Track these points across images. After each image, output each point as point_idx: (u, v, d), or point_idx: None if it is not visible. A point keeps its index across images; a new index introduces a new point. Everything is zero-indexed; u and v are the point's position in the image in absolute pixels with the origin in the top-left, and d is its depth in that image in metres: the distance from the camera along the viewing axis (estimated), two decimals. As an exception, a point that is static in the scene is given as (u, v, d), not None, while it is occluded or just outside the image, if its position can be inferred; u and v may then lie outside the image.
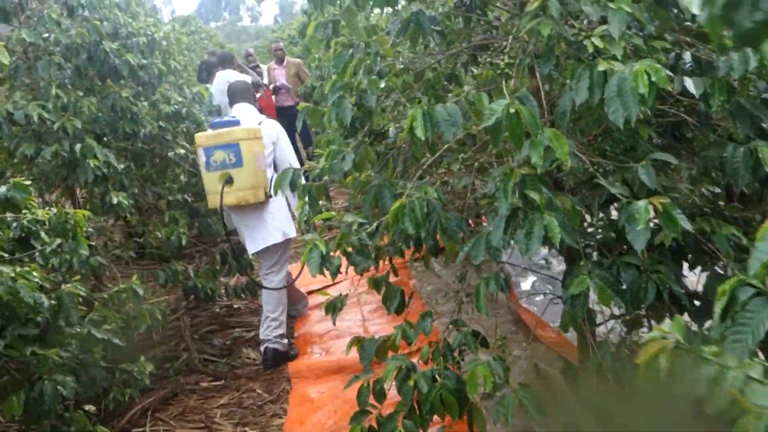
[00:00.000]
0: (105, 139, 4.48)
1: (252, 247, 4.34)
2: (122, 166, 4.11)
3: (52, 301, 2.36)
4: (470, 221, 3.23)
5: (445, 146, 2.61)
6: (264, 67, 9.72)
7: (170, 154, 4.62)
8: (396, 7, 3.34)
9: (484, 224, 4.67)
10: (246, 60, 9.50)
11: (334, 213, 2.46)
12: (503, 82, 2.15)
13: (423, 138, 2.19)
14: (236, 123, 4.13)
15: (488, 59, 3.53)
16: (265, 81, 9.47)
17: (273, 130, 4.33)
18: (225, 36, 30.34)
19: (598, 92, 1.98)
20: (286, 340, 4.50)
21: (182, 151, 4.66)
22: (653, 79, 1.78)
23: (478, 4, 3.21)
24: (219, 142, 4.00)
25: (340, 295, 3.04)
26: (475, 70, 3.81)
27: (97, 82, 4.47)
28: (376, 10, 3.42)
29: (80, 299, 2.55)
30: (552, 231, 2.04)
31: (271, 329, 4.39)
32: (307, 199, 3.02)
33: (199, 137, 4.08)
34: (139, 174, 4.84)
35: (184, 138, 4.83)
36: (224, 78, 7.43)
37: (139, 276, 4.53)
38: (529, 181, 2.09)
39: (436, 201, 2.35)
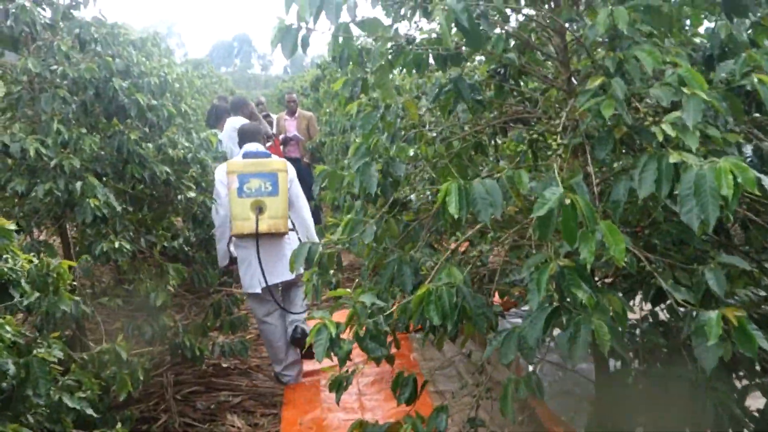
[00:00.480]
0: (105, 179, 4.24)
1: (273, 278, 4.47)
2: (119, 208, 3.83)
3: (20, 369, 2.06)
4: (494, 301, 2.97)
5: (477, 227, 2.37)
6: (274, 117, 9.58)
7: (179, 197, 4.37)
8: (426, 72, 3.15)
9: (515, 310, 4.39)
10: (257, 108, 9.36)
11: (348, 291, 2.19)
12: (555, 166, 1.92)
13: (456, 216, 1.95)
14: (269, 155, 4.49)
15: (523, 133, 3.33)
16: (274, 131, 9.33)
17: (291, 168, 4.60)
18: (234, 82, 30.56)
19: (666, 186, 1.74)
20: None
21: (192, 194, 4.41)
22: (739, 180, 1.55)
23: (512, 74, 3.03)
24: (257, 170, 4.29)
25: (347, 371, 2.73)
26: (498, 141, 3.61)
27: (102, 119, 4.25)
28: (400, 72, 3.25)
29: (56, 360, 2.25)
30: (602, 337, 1.78)
31: (300, 317, 4.67)
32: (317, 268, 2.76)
33: (234, 164, 4.33)
34: (134, 218, 4.58)
35: (193, 182, 4.58)
36: (235, 125, 7.25)
37: (123, 326, 4.27)
38: (568, 275, 1.83)
39: (466, 288, 2.09)
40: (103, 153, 4.13)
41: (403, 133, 2.87)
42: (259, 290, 4.53)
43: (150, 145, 4.32)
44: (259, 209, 4.29)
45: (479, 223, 2.40)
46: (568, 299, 1.90)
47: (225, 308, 4.47)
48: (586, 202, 1.64)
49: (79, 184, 3.54)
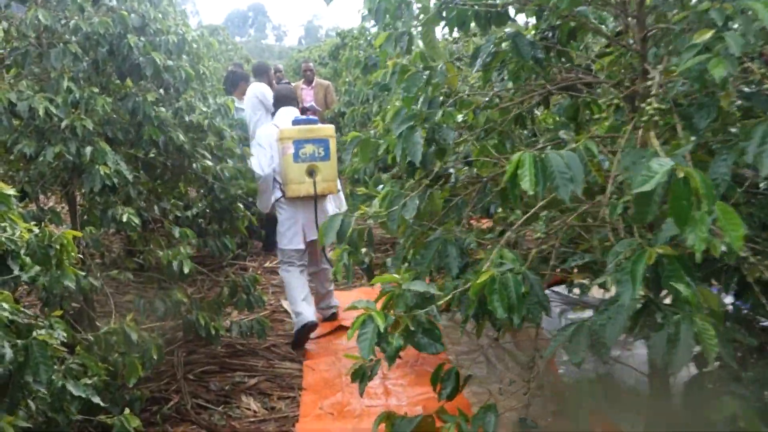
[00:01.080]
0: (116, 144, 3.97)
1: (312, 235, 4.81)
2: (130, 177, 3.55)
3: (18, 352, 1.80)
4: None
5: (539, 204, 2.07)
6: (292, 85, 9.26)
7: (195, 165, 4.08)
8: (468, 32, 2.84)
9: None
10: (275, 76, 9.04)
11: (397, 276, 1.90)
12: (650, 134, 1.62)
13: (532, 192, 1.65)
14: (316, 121, 4.79)
15: (569, 101, 3.01)
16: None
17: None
18: (248, 52, 30.08)
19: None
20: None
21: (209, 163, 4.12)
22: None
23: (561, 38, 2.70)
24: (311, 136, 4.58)
25: (371, 360, 2.45)
26: (537, 113, 3.30)
27: (114, 80, 3.95)
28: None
29: (58, 342, 1.98)
30: (707, 341, 1.49)
31: (333, 297, 5.23)
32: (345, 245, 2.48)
33: (290, 131, 4.61)
34: (146, 186, 4.30)
35: (210, 151, 4.29)
36: (257, 91, 6.93)
37: (134, 302, 4.01)
38: (669, 266, 1.54)
39: (534, 276, 1.80)
40: (115, 116, 3.84)
41: (441, 98, 2.57)
42: (302, 246, 4.86)
43: (167, 110, 4.03)
44: (312, 173, 4.59)
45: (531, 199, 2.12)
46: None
47: (242, 286, 4.20)
48: (703, 177, 1.34)
49: (89, 149, 3.25)
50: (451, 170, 2.71)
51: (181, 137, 3.97)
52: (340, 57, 10.84)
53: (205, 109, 4.26)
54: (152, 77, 3.79)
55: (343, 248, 2.46)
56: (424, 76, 2.33)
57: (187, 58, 4.31)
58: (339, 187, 4.90)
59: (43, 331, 1.91)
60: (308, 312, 4.78)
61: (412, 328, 1.81)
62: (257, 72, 7.37)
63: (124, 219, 3.31)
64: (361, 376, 2.36)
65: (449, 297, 1.87)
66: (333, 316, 5.27)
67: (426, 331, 1.82)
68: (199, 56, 4.48)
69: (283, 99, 5.08)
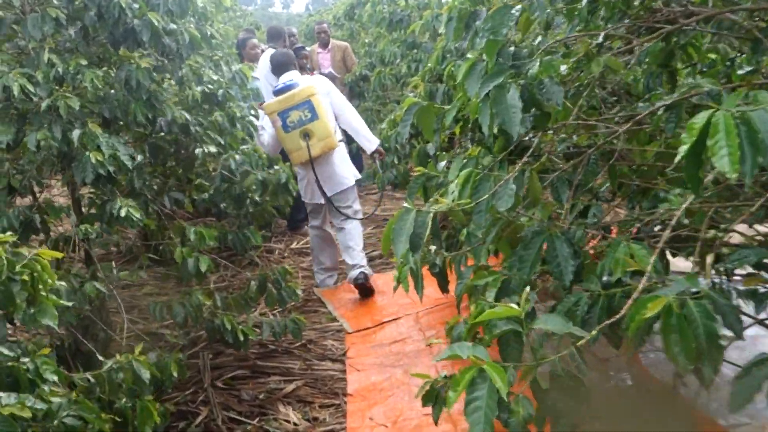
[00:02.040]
0: (116, 125, 3.39)
1: (330, 189, 4.90)
2: (131, 162, 2.96)
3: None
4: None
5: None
6: (308, 51, 8.58)
7: (197, 151, 3.50)
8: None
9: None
10: (289, 41, 8.36)
11: (515, 308, 1.30)
12: None
13: (734, 174, 1.04)
14: (295, 86, 4.61)
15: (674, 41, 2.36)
16: (308, 66, 8.36)
17: (323, 82, 4.95)
18: (255, 19, 29.11)
19: None
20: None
21: (213, 149, 3.52)
22: None
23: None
24: (292, 103, 4.54)
25: (445, 378, 1.84)
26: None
27: (109, 48, 3.35)
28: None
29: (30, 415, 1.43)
30: None
31: (361, 257, 4.99)
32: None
33: (270, 105, 4.63)
34: (157, 172, 3.74)
35: (218, 131, 3.69)
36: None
37: (150, 305, 3.48)
38: None
39: (724, 301, 1.20)
40: (112, 92, 3.25)
41: (513, 49, 1.95)
42: (321, 201, 4.97)
43: (170, 80, 3.43)
44: (307, 136, 4.59)
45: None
46: None
47: (272, 280, 3.64)
48: None
49: (76, 132, 2.68)
50: (535, 140, 2.09)
51: (185, 115, 3.37)
52: (357, 16, 10.11)
53: (216, 77, 3.65)
54: (150, 43, 3.18)
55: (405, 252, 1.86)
56: (516, 11, 1.70)
57: (193, 19, 3.69)
58: (340, 136, 4.89)
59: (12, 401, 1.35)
60: (330, 279, 5.31)
61: (544, 386, 1.23)
62: (272, 37, 6.72)
63: (123, 213, 2.74)
64: (434, 398, 1.79)
65: (594, 335, 1.27)
66: (364, 285, 4.93)
67: (568, 391, 1.24)
68: (206, 17, 3.85)
69: (283, 66, 4.95)
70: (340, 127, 4.98)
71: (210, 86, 3.68)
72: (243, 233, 3.63)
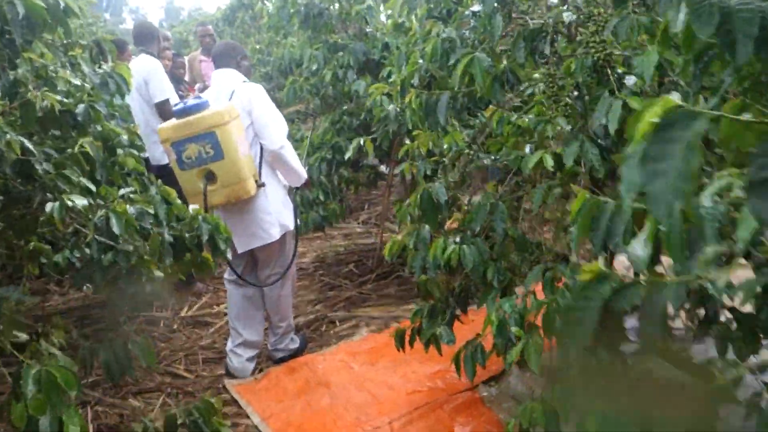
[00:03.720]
0: None
1: (241, 246, 3.62)
2: None
3: None
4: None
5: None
6: (185, 59, 6.99)
7: (49, 206, 1.95)
8: None
9: None
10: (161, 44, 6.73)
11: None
12: None
13: None
14: (203, 106, 3.31)
15: None
16: (187, 78, 6.79)
17: (245, 96, 3.53)
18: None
19: None
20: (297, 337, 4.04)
21: (79, 201, 1.96)
22: None
23: None
24: (189, 132, 3.27)
25: None
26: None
27: None
28: None
29: None
30: None
31: (282, 337, 3.91)
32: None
33: (164, 130, 3.34)
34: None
35: (80, 168, 2.16)
36: (144, 68, 4.75)
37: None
38: None
39: None
40: None
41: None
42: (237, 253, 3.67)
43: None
44: (209, 178, 3.35)
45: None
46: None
47: (189, 423, 2.15)
48: None
49: None
50: None
51: (25, 143, 1.85)
52: (239, 21, 8.61)
53: (78, 82, 2.14)
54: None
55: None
56: None
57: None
58: (261, 179, 3.54)
59: None
60: (244, 355, 3.81)
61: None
62: (142, 37, 5.10)
63: None
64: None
65: None
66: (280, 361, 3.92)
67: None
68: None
69: (219, 58, 3.72)
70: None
71: (64, 98, 2.16)
72: (124, 351, 2.12)
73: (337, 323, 4.42)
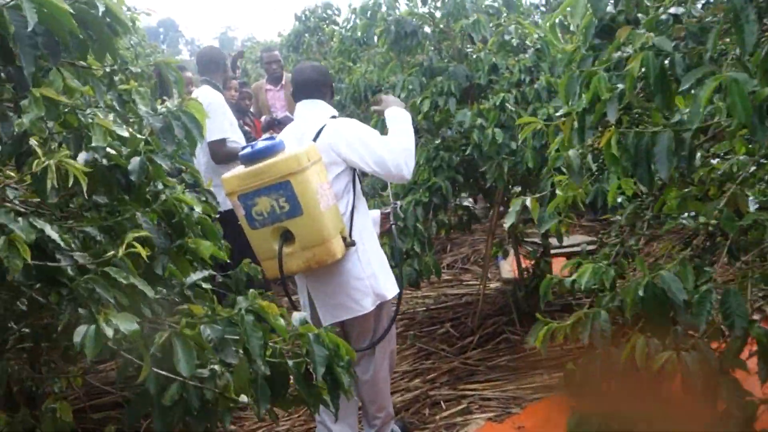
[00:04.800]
0: None
1: (326, 317, 2.87)
2: None
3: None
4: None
5: None
6: (249, 89, 6.38)
7: (77, 334, 1.21)
8: None
9: None
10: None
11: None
12: None
13: None
14: (276, 148, 2.64)
15: None
16: (252, 109, 6.17)
17: (335, 136, 2.81)
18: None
19: None
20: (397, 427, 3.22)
21: (126, 327, 1.22)
22: None
23: None
24: (259, 183, 2.61)
25: None
26: None
27: None
28: None
29: None
30: None
31: (382, 429, 3.11)
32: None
33: (229, 180, 2.67)
34: None
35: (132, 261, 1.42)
36: (203, 100, 4.06)
37: None
38: None
39: None
40: None
41: None
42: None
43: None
44: (287, 238, 2.70)
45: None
46: None
47: None
48: None
49: None
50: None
51: (46, 229, 1.13)
52: (306, 46, 7.98)
53: (125, 132, 1.41)
54: None
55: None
56: None
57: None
58: (351, 237, 2.87)
59: None
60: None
61: None
62: (207, 66, 4.45)
63: None
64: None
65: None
66: None
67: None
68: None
69: (302, 88, 2.98)
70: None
71: (109, 149, 1.44)
72: None
73: (443, 405, 3.60)
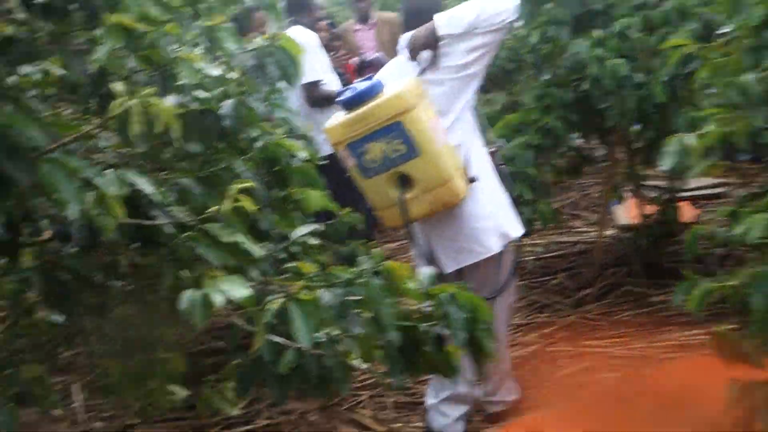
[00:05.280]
0: None
1: (452, 263, 2.72)
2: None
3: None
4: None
5: None
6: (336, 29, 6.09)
7: (184, 300, 1.07)
8: None
9: None
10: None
11: None
12: None
13: None
14: (377, 88, 2.40)
15: None
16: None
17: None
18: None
19: None
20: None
21: (239, 293, 1.06)
22: None
23: None
24: (366, 129, 2.41)
25: None
26: None
27: None
28: None
29: None
30: None
31: (500, 385, 2.96)
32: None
33: (333, 129, 2.47)
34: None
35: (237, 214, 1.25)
36: (300, 40, 3.89)
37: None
38: None
39: None
40: None
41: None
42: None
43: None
44: (404, 183, 2.49)
45: None
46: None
47: None
48: None
49: None
50: None
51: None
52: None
53: (216, 71, 1.23)
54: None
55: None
56: None
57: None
58: (481, 159, 2.72)
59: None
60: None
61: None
62: (292, 6, 4.29)
63: None
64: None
65: None
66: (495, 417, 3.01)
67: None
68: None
69: (416, 14, 2.75)
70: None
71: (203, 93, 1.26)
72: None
73: (562, 362, 3.36)
